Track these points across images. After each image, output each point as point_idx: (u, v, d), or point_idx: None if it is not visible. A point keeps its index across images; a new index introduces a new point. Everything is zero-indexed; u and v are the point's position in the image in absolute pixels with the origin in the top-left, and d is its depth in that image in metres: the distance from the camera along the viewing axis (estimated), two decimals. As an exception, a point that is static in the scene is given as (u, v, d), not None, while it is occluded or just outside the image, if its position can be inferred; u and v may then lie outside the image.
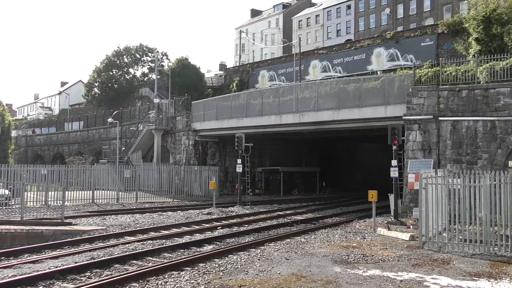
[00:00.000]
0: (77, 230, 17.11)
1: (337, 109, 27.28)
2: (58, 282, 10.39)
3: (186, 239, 16.17)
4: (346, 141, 44.72)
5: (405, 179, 21.31)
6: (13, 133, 52.15)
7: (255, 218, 22.74)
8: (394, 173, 20.06)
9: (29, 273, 10.78)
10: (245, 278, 10.47)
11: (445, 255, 13.17)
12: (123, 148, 43.16)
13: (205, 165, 36.05)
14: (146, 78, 67.21)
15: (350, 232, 18.01)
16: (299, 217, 23.18)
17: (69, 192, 27.21)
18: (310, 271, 11.18)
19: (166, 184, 33.71)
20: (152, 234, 17.15)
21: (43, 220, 19.04)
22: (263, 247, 14.57)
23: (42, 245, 14.46)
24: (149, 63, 67.17)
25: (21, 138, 63.56)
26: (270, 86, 48.04)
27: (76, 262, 12.08)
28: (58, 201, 24.30)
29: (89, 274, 11.18)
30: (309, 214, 25.10)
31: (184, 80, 53.69)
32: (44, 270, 11.09)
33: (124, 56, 67.52)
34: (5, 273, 10.93)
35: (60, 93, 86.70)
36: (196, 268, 11.61)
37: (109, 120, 43.36)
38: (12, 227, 16.05)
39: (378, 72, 41.35)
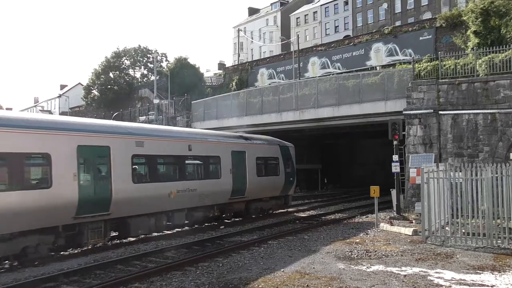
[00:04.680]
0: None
1: (337, 106, 27.24)
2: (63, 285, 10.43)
3: (189, 239, 16.18)
4: (347, 137, 44.68)
5: (407, 174, 21.28)
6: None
7: (257, 216, 22.73)
8: (395, 168, 20.03)
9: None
10: (249, 276, 10.48)
11: (448, 249, 13.17)
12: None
13: (206, 165, 36.08)
14: (145, 79, 67.19)
15: (353, 228, 18.03)
16: (301, 214, 23.19)
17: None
18: (313, 268, 11.19)
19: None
20: (155, 234, 17.16)
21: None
22: (266, 245, 14.58)
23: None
24: (148, 64, 67.13)
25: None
26: (270, 84, 47.94)
27: (79, 265, 12.13)
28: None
29: (93, 276, 11.21)
30: (312, 211, 25.12)
31: (183, 80, 53.66)
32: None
33: (123, 58, 67.50)
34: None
35: (59, 96, 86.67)
36: (200, 267, 11.63)
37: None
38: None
39: (377, 68, 41.27)
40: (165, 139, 16.91)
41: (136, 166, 15.40)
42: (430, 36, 40.13)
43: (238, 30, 77.16)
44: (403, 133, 21.51)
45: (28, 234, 11.95)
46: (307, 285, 9.62)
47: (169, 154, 16.87)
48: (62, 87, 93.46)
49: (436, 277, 10.13)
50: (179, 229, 17.92)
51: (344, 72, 41.01)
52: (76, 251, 14.08)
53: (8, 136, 11.52)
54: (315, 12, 77.47)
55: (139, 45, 67.87)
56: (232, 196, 19.60)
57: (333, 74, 42.19)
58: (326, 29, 74.91)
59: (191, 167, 18.10)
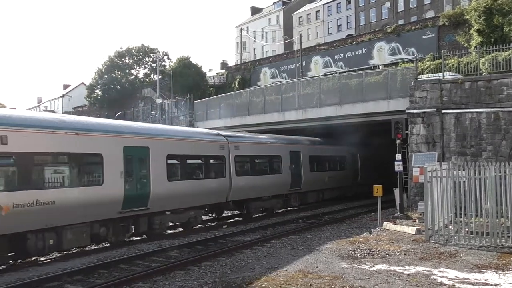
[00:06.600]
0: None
1: (339, 105, 27.21)
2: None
3: (192, 238, 16.20)
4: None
5: (410, 172, 21.26)
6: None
7: (260, 215, 22.75)
8: (398, 167, 19.99)
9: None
10: (252, 275, 10.48)
11: (451, 248, 13.14)
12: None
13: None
14: (148, 78, 67.10)
15: (356, 227, 18.01)
16: (304, 214, 23.19)
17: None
18: (316, 267, 11.18)
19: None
20: (156, 234, 17.16)
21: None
22: (269, 244, 14.58)
23: None
24: (151, 64, 67.12)
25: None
26: (272, 83, 47.80)
27: (83, 264, 12.16)
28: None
29: (96, 275, 11.24)
30: (315, 210, 25.11)
31: (186, 80, 53.61)
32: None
33: (126, 57, 67.46)
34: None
35: (63, 96, 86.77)
36: (203, 267, 11.64)
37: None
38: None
39: (380, 67, 41.16)
40: (322, 146, 28.51)
41: (311, 162, 26.04)
42: (433, 35, 39.95)
43: (241, 30, 77.11)
44: (406, 132, 21.46)
45: (270, 199, 22.57)
46: (310, 284, 9.62)
47: (324, 155, 28.39)
48: (65, 87, 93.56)
49: (440, 276, 10.11)
50: (182, 228, 17.91)
51: (347, 71, 40.87)
52: (77, 251, 14.16)
53: (251, 146, 22.15)
54: (317, 11, 77.35)
55: (142, 44, 67.79)
56: (352, 182, 30.94)
57: (335, 73, 42.09)
58: (328, 28, 74.79)
59: (333, 163, 29.55)
